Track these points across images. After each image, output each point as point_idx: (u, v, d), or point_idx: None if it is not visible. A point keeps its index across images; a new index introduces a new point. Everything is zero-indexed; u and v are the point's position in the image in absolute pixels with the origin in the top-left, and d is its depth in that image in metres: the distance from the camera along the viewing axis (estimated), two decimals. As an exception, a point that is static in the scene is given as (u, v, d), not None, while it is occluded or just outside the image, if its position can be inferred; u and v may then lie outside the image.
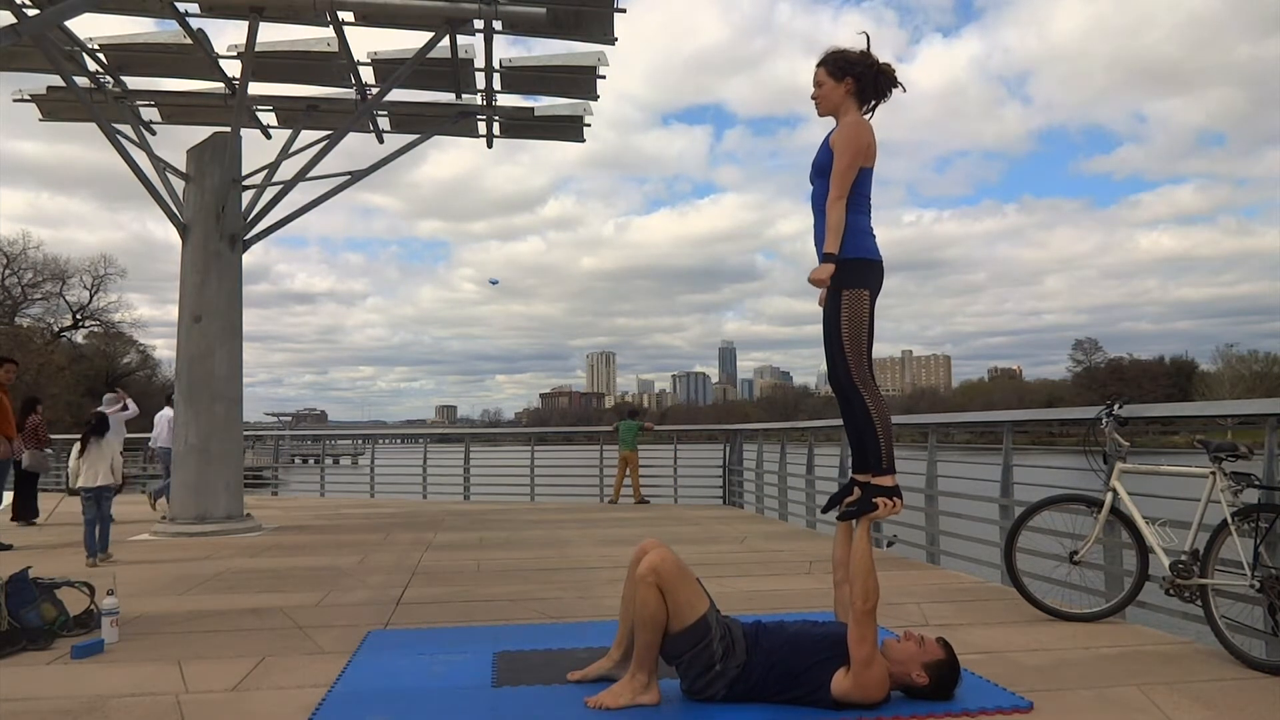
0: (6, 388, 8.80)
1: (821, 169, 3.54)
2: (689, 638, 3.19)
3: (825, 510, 3.47)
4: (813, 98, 3.67)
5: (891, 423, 3.49)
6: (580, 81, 10.48)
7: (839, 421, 11.28)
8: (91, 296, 51.69)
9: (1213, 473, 4.14)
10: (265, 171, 10.21)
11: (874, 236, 3.57)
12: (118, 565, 7.10)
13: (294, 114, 11.03)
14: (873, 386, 3.48)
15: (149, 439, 13.01)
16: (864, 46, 3.60)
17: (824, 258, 3.39)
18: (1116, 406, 4.92)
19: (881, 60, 3.59)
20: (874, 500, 3.36)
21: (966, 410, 56.60)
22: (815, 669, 3.17)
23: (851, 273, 3.44)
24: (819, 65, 3.64)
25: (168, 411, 11.96)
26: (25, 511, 10.59)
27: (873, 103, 3.63)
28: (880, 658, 3.16)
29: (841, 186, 3.43)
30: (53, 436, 23.34)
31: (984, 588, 5.85)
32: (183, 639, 4.54)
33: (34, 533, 9.71)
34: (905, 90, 3.65)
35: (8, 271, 49.01)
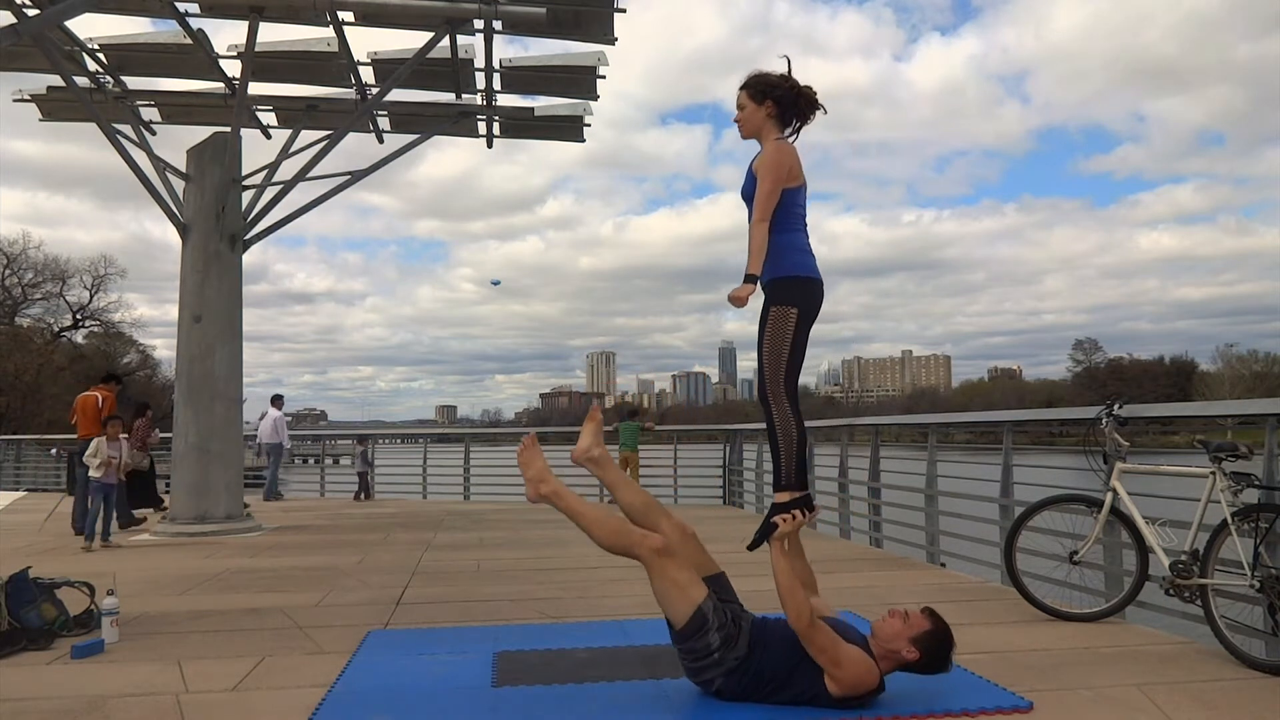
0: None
1: (750, 196, 3.60)
2: (689, 628, 3.19)
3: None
4: (735, 120, 3.75)
5: (795, 441, 3.54)
6: (580, 81, 10.47)
7: (839, 421, 11.29)
8: (91, 296, 51.68)
9: (1213, 473, 4.14)
10: (265, 171, 10.21)
11: (810, 254, 3.62)
12: (118, 565, 7.10)
13: (294, 114, 11.02)
14: (784, 403, 3.52)
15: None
16: (785, 69, 3.67)
17: (745, 278, 3.44)
18: (1116, 406, 4.91)
19: (803, 83, 3.67)
20: (773, 520, 3.35)
21: (966, 410, 56.64)
22: (811, 664, 3.16)
23: (780, 290, 3.53)
24: (741, 89, 3.72)
25: (273, 412, 14.75)
26: (144, 501, 11.45)
27: (796, 124, 3.71)
28: (850, 655, 3.12)
29: (763, 209, 3.51)
30: (54, 437, 23.47)
31: (984, 588, 5.85)
32: (183, 639, 4.54)
33: (33, 532, 9.70)
34: (826, 113, 3.73)
35: (8, 271, 48.99)
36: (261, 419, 15.04)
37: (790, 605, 3.09)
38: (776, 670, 3.19)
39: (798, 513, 3.40)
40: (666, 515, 3.50)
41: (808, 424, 12.17)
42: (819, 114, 3.72)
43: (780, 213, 3.56)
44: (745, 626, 3.27)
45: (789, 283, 3.53)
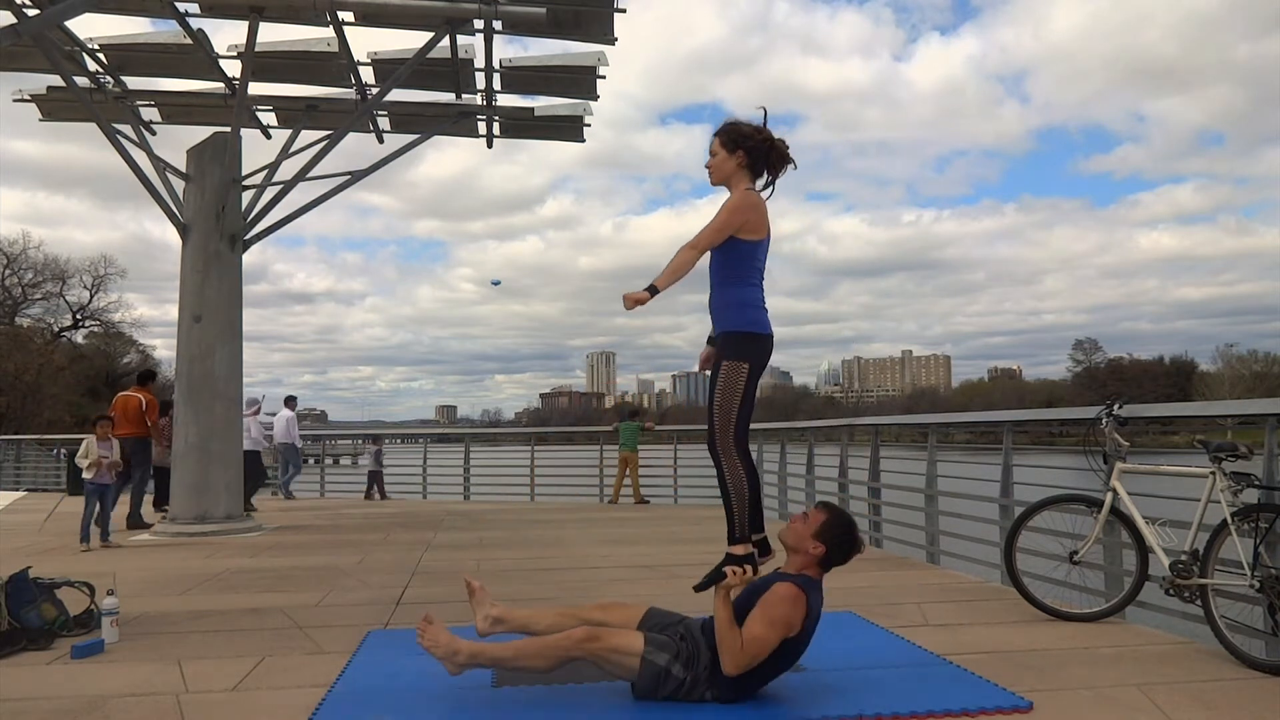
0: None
1: None
2: (645, 680, 3.22)
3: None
4: (706, 166, 3.79)
5: (747, 495, 3.58)
6: (580, 81, 10.48)
7: (839, 421, 11.25)
8: (91, 296, 51.77)
9: (1213, 473, 4.14)
10: (265, 171, 10.21)
11: (764, 309, 3.67)
12: (118, 565, 7.10)
13: (294, 114, 11.03)
14: (733, 456, 3.57)
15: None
16: (761, 120, 3.73)
17: (648, 286, 3.47)
18: (1116, 406, 4.92)
19: (776, 136, 3.72)
20: (724, 569, 3.38)
21: (966, 410, 56.65)
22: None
23: (734, 345, 3.58)
24: (715, 135, 3.78)
25: (286, 412, 14.73)
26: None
27: (769, 177, 3.76)
28: (768, 621, 3.14)
29: (701, 238, 3.58)
30: (54, 437, 23.43)
31: (984, 588, 5.85)
32: (183, 639, 4.54)
33: (33, 532, 9.71)
34: (796, 168, 3.78)
35: (8, 271, 49.06)
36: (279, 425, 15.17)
37: (724, 652, 3.15)
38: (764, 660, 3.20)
39: (749, 568, 3.45)
40: (576, 606, 3.60)
41: (808, 424, 12.13)
42: (789, 169, 3.77)
43: (740, 265, 3.62)
44: (695, 633, 3.29)
45: (744, 338, 3.59)
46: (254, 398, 13.41)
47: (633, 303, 3.43)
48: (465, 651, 3.38)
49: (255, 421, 12.82)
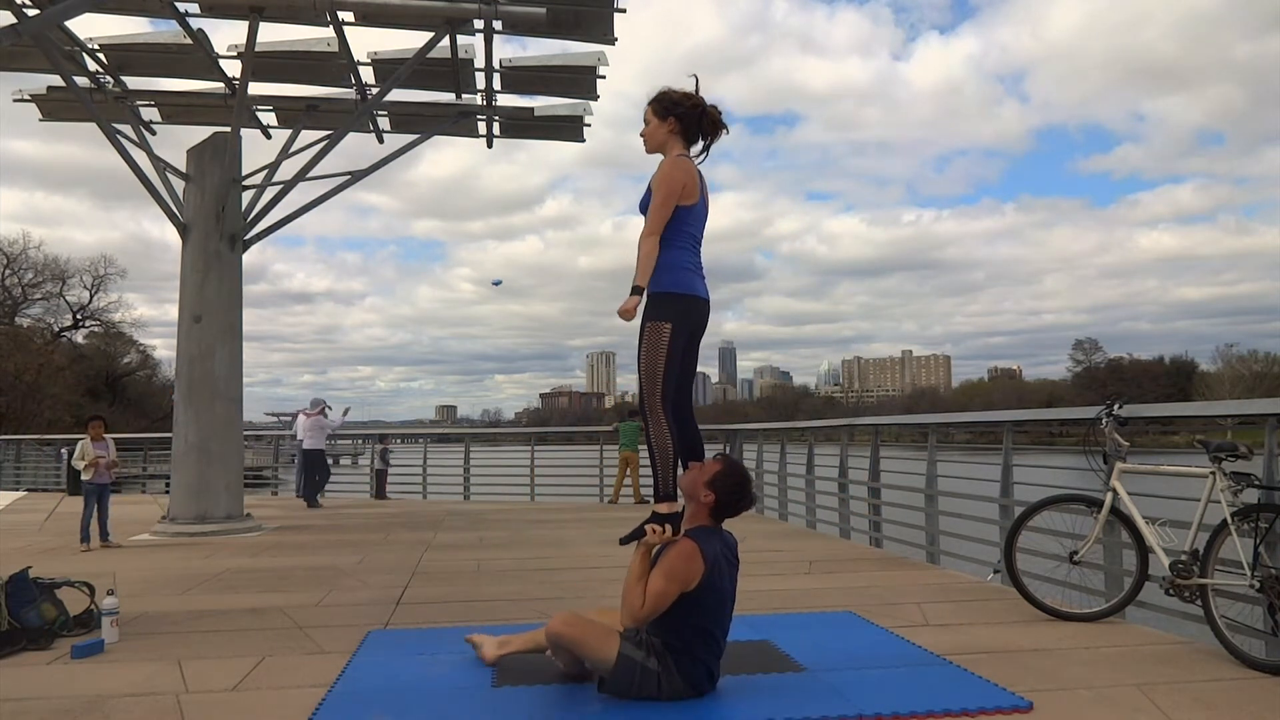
0: None
1: (646, 209, 3.69)
2: (621, 675, 3.28)
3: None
4: (640, 135, 3.82)
5: (672, 455, 3.61)
6: (580, 81, 10.48)
7: (839, 421, 11.21)
8: (91, 296, 51.77)
9: (1213, 473, 4.14)
10: (265, 171, 10.21)
11: (693, 272, 3.68)
12: (118, 565, 7.10)
13: (294, 114, 11.03)
14: (660, 418, 3.58)
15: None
16: (692, 88, 3.76)
17: (632, 289, 3.50)
18: (1116, 406, 4.91)
19: (708, 102, 3.74)
20: (645, 526, 3.43)
21: (966, 410, 56.60)
22: (688, 599, 3.26)
23: (656, 306, 3.60)
24: (648, 104, 3.80)
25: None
26: None
27: (705, 142, 3.78)
28: (665, 574, 3.24)
29: (652, 222, 3.60)
30: (54, 437, 23.40)
31: (984, 588, 5.85)
32: (183, 639, 4.54)
33: (33, 532, 9.71)
34: (729, 132, 3.83)
35: (8, 271, 49.06)
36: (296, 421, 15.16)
37: (625, 603, 3.28)
38: (690, 619, 3.27)
39: (669, 526, 3.47)
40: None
41: (808, 424, 12.10)
42: (724, 134, 3.80)
43: (669, 229, 3.63)
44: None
45: (664, 298, 3.60)
46: (318, 399, 13.77)
47: (630, 312, 3.47)
48: (503, 651, 3.78)
49: (313, 422, 13.13)
